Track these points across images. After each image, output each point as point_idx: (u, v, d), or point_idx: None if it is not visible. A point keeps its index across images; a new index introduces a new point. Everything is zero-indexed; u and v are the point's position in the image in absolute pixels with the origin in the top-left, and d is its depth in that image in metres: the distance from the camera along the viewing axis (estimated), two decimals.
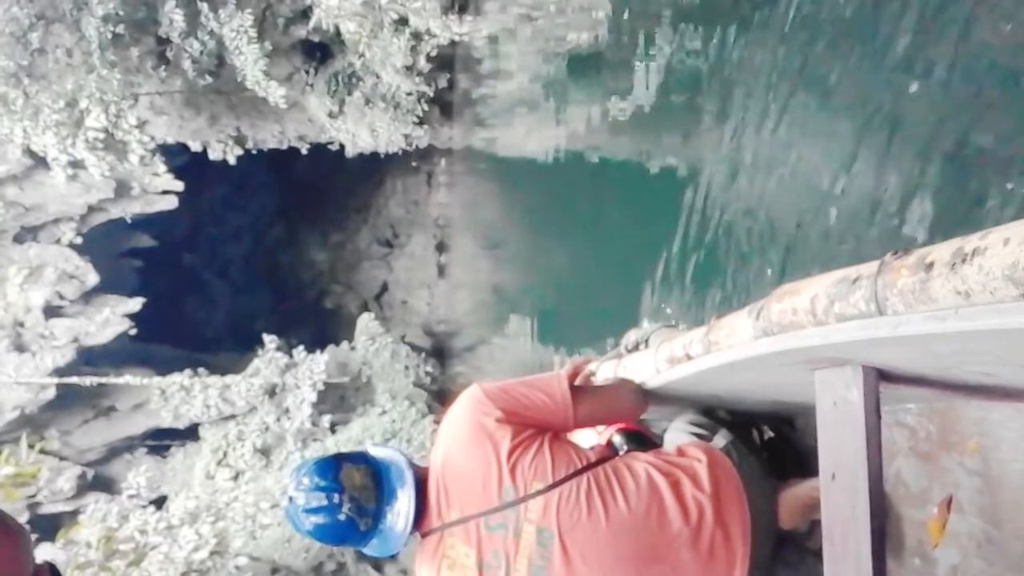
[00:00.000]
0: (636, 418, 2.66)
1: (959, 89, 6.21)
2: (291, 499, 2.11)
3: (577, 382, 2.48)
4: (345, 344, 22.28)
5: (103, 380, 17.96)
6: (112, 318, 19.49)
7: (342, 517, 2.08)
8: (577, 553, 2.07)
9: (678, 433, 2.55)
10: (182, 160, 21.18)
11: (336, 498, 2.07)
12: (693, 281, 10.42)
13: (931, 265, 1.14)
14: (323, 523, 2.09)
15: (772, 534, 2.26)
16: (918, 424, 1.98)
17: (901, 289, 1.20)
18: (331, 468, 2.11)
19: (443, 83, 19.58)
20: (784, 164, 8.50)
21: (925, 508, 1.95)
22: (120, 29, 15.38)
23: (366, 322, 22.43)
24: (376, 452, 2.27)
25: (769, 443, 2.64)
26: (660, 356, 2.37)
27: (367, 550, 2.19)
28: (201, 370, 20.26)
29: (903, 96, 6.79)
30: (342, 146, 20.37)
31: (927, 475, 1.95)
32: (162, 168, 17.67)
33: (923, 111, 6.57)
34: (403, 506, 2.14)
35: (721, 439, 2.40)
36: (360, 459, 2.20)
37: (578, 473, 2.14)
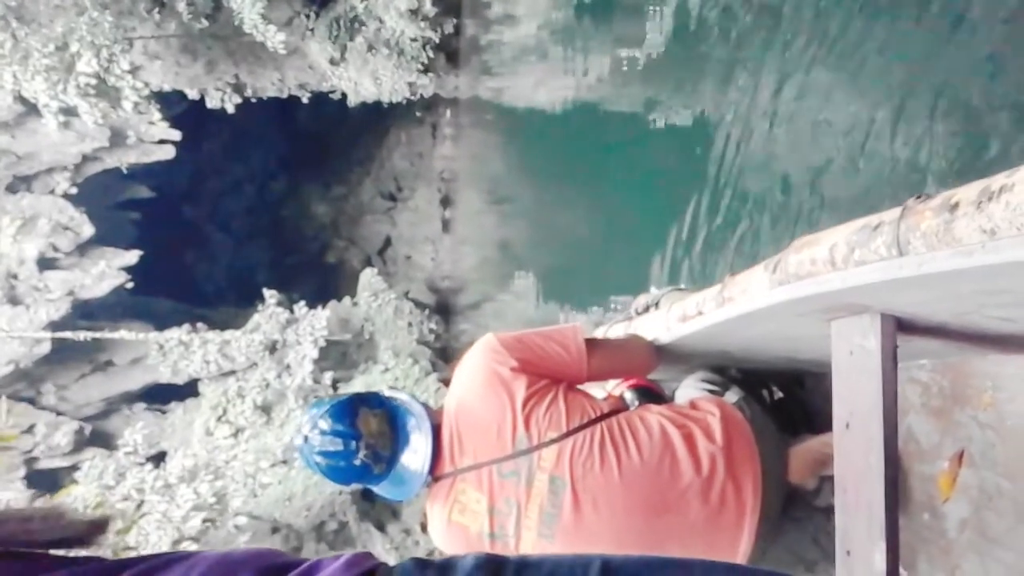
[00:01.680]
0: (648, 373, 2.66)
1: (981, 40, 6.09)
2: (306, 439, 2.10)
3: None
4: (347, 299, 21.96)
5: (98, 335, 17.57)
6: (108, 271, 19.09)
7: (357, 462, 2.09)
8: (588, 501, 2.09)
9: (690, 389, 2.59)
10: (180, 108, 20.71)
11: (353, 444, 2.08)
12: (705, 241, 10.29)
13: (956, 205, 1.13)
14: (337, 466, 2.10)
15: (782, 488, 2.28)
16: (931, 380, 1.98)
17: (924, 231, 1.19)
18: (348, 412, 2.11)
19: (449, 28, 19.02)
20: (802, 119, 8.36)
21: (935, 464, 1.95)
22: None
23: (369, 277, 22.05)
24: (392, 395, 2.27)
25: (779, 402, 2.65)
26: (672, 315, 2.36)
27: (378, 490, 2.20)
28: (200, 325, 20.01)
29: (925, 47, 6.67)
30: (344, 95, 19.90)
31: (939, 431, 1.96)
32: (157, 116, 17.05)
33: (944, 64, 6.46)
34: (419, 453, 2.15)
35: (733, 395, 2.43)
36: (376, 402, 2.20)
37: (592, 423, 2.16)
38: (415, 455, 2.16)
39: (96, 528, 1.03)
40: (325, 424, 2.09)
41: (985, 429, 1.81)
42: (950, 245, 1.16)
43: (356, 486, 2.23)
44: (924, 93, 6.59)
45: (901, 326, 1.62)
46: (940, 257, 1.18)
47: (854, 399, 1.68)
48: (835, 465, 1.76)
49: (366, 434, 2.10)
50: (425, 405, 2.25)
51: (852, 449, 1.69)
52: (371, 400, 2.21)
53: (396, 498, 2.21)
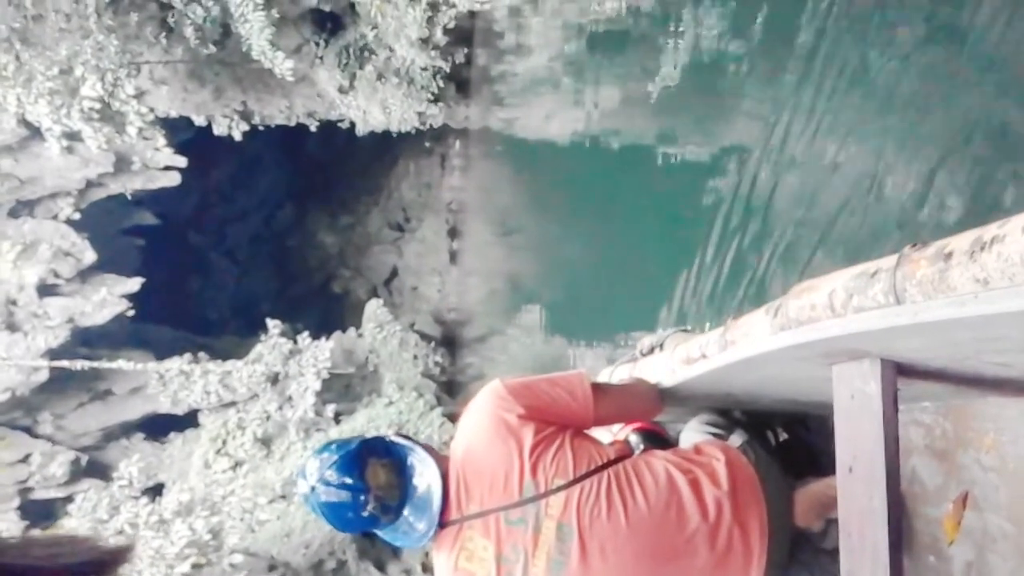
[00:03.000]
0: (653, 417, 2.70)
1: (999, 86, 6.24)
2: (313, 489, 2.10)
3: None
4: (352, 331, 21.73)
5: (95, 364, 17.18)
6: (109, 298, 18.77)
7: (365, 514, 2.10)
8: (596, 549, 2.09)
9: (694, 432, 2.63)
10: (187, 135, 20.53)
11: (361, 497, 2.08)
12: (712, 279, 10.30)
13: (950, 255, 1.16)
14: (345, 517, 2.11)
15: (789, 532, 2.28)
16: (934, 422, 2.01)
17: (920, 280, 1.23)
18: (356, 465, 2.11)
19: (460, 58, 18.81)
20: (814, 158, 8.36)
21: (940, 506, 1.96)
22: None
23: (374, 308, 21.80)
24: (399, 441, 2.26)
25: (783, 444, 2.69)
26: (676, 357, 2.39)
27: (385, 535, 2.20)
28: (202, 354, 19.71)
29: (940, 89, 6.77)
30: (352, 124, 19.67)
31: (943, 473, 1.97)
32: (162, 142, 16.78)
33: (959, 106, 6.55)
34: (428, 503, 2.15)
35: (737, 438, 2.45)
36: (384, 450, 2.19)
37: (599, 470, 2.17)
38: (424, 505, 2.16)
39: (120, 554, 1.02)
40: (332, 476, 2.09)
41: (988, 472, 1.83)
42: (945, 294, 1.18)
43: (364, 532, 2.24)
44: (937, 135, 6.66)
45: (901, 370, 1.64)
46: (935, 306, 1.21)
47: (856, 443, 1.71)
48: (839, 508, 1.79)
49: (374, 486, 2.11)
50: (430, 449, 2.26)
51: (855, 492, 1.72)
52: (379, 449, 2.20)
53: (404, 545, 2.22)
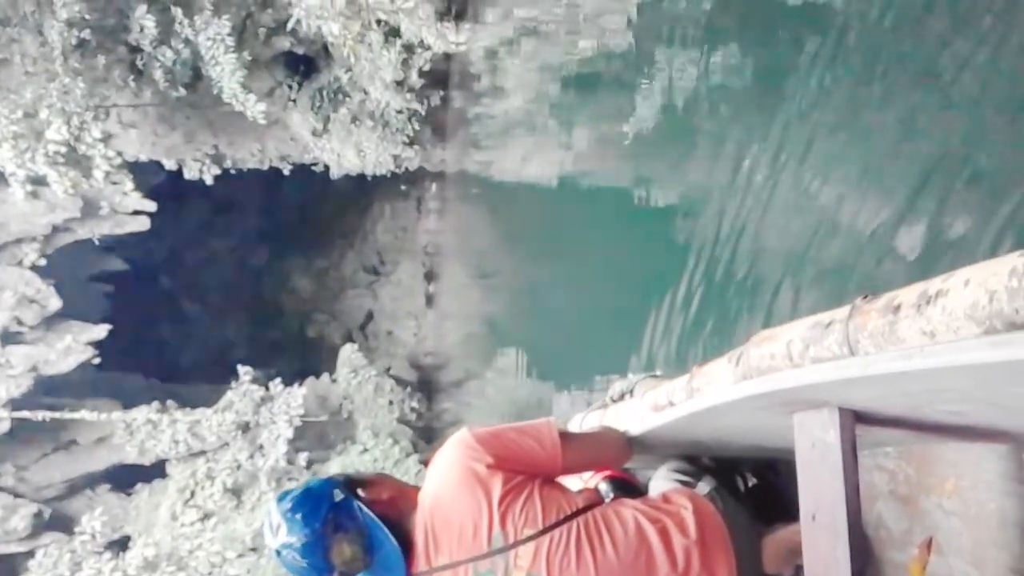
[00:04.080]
0: (622, 465, 2.72)
1: (975, 122, 6.34)
2: (278, 552, 2.12)
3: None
4: (326, 376, 21.39)
5: (57, 415, 16.65)
6: (74, 346, 18.33)
7: None
8: None
9: (663, 480, 2.62)
10: (157, 179, 20.29)
11: (324, 575, 2.09)
12: (685, 321, 10.37)
13: (898, 307, 1.20)
14: None
15: None
16: (897, 467, 2.04)
17: (871, 331, 1.26)
18: (320, 546, 2.09)
19: (436, 100, 18.72)
20: (785, 199, 8.49)
21: (906, 550, 1.98)
22: (86, 35, 14.30)
23: (349, 353, 21.46)
24: (364, 509, 2.20)
25: (753, 489, 2.70)
26: (644, 404, 2.42)
27: None
28: (170, 402, 19.24)
29: (910, 130, 6.87)
30: (327, 167, 19.47)
31: (907, 517, 2.00)
32: (130, 186, 16.44)
33: (925, 147, 6.69)
34: (393, 567, 2.16)
35: (705, 485, 2.46)
36: (350, 521, 2.15)
37: (568, 519, 2.16)
38: (388, 570, 2.16)
39: None
40: (297, 552, 2.08)
41: (950, 516, 1.86)
42: (895, 345, 1.21)
43: None
44: (904, 175, 6.76)
45: (860, 418, 1.66)
46: (883, 359, 1.24)
47: (818, 491, 1.72)
48: (804, 556, 1.78)
49: (339, 564, 2.09)
50: (400, 495, 2.26)
51: (819, 540, 1.72)
52: (345, 521, 2.14)
53: None
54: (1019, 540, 1.72)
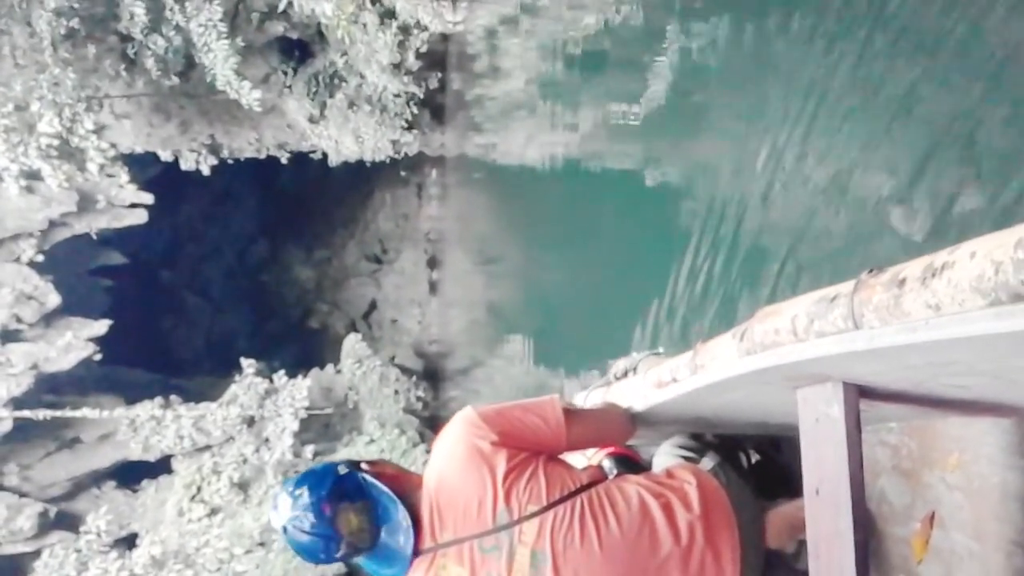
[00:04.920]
0: (625, 441, 2.71)
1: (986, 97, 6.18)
2: (285, 529, 2.13)
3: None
4: (330, 367, 21.17)
5: (58, 414, 16.42)
6: (75, 342, 18.10)
7: (338, 555, 2.14)
8: (570, 575, 2.09)
9: (666, 456, 2.63)
10: (154, 171, 20.02)
11: (333, 545, 2.10)
12: (692, 300, 10.29)
13: (903, 281, 1.20)
14: (317, 557, 2.15)
15: (761, 554, 2.29)
16: (900, 442, 2.04)
17: (876, 305, 1.26)
18: (327, 513, 2.10)
19: (434, 83, 18.43)
20: (796, 175, 8.37)
21: (909, 525, 1.99)
22: (75, 24, 13.96)
23: (353, 343, 21.23)
24: (371, 480, 2.22)
25: (756, 466, 2.71)
26: (648, 381, 2.42)
27: (363, 564, 2.21)
28: (174, 397, 19.04)
29: (917, 104, 6.78)
30: (325, 155, 19.19)
31: (910, 492, 2.00)
32: (125, 179, 16.13)
33: (941, 121, 6.55)
34: (400, 544, 2.16)
35: (709, 461, 2.47)
36: (355, 491, 2.17)
37: (572, 495, 2.18)
38: (396, 541, 2.16)
39: None
40: (305, 522, 2.09)
41: (953, 491, 1.86)
42: (900, 319, 1.21)
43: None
44: (911, 152, 6.68)
45: (864, 393, 1.66)
46: (888, 332, 1.23)
47: (822, 465, 1.73)
48: (807, 530, 1.80)
49: (346, 534, 2.11)
50: (403, 476, 2.27)
51: (822, 515, 1.74)
52: (350, 490, 2.17)
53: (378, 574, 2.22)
54: (1021, 513, 1.73)
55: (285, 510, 2.12)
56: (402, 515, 2.16)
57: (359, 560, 2.21)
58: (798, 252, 8.06)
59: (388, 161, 19.58)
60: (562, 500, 2.16)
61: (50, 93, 13.95)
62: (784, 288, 7.97)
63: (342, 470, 2.22)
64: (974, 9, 6.30)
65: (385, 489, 2.21)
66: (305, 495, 2.12)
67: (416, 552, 2.18)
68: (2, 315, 17.54)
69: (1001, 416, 1.73)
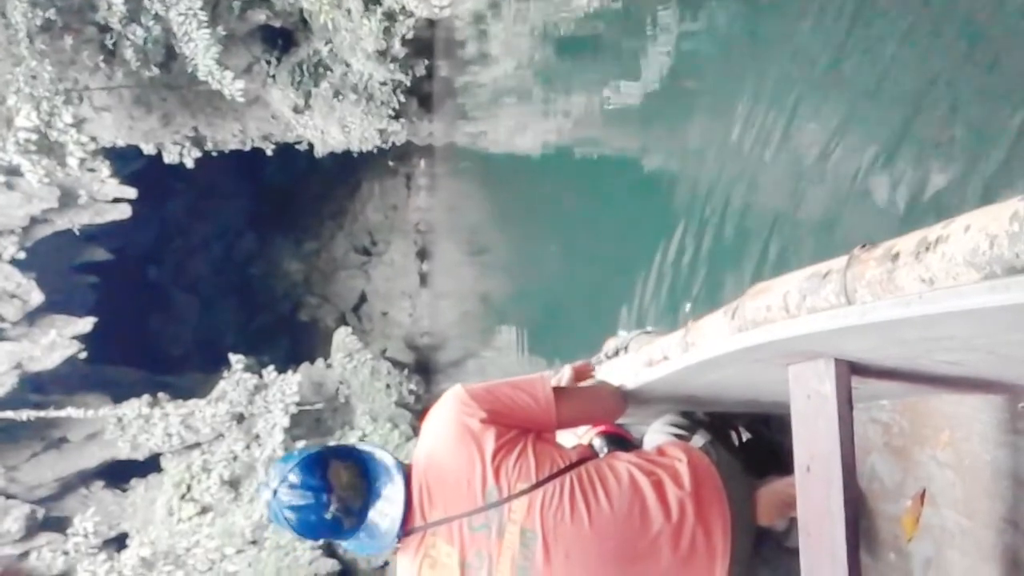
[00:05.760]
0: (616, 419, 2.72)
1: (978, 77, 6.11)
2: (275, 492, 2.09)
3: (564, 383, 2.65)
4: (320, 361, 20.91)
5: (42, 414, 16.11)
6: (59, 341, 17.74)
7: (328, 516, 2.08)
8: (560, 553, 2.10)
9: (658, 434, 2.66)
10: (137, 165, 19.68)
11: (323, 497, 2.07)
12: (680, 279, 10.25)
13: (897, 255, 1.20)
14: (307, 520, 2.09)
15: (752, 531, 2.31)
16: (891, 420, 2.05)
17: (869, 280, 1.26)
18: (318, 465, 2.11)
19: (421, 70, 18.09)
20: (781, 154, 8.29)
21: (899, 503, 1.99)
22: (52, 15, 13.60)
23: (343, 337, 20.98)
24: (363, 447, 2.27)
25: (746, 444, 2.73)
26: (639, 359, 2.41)
27: (349, 545, 2.19)
28: (162, 395, 18.73)
29: (905, 79, 6.72)
30: (311, 145, 18.89)
31: (901, 470, 2.01)
32: (107, 173, 15.77)
33: (921, 95, 6.51)
34: (391, 507, 2.15)
35: (700, 439, 2.49)
36: (347, 454, 2.21)
37: (561, 473, 2.18)
38: (387, 509, 2.16)
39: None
40: (295, 477, 2.08)
41: (944, 468, 1.87)
42: (893, 294, 1.21)
43: (327, 539, 2.19)
44: (901, 127, 6.61)
45: (855, 370, 1.66)
46: (881, 307, 1.24)
47: (813, 443, 1.73)
48: (798, 508, 1.81)
49: (337, 487, 2.10)
50: (397, 459, 2.23)
51: (813, 492, 1.75)
52: (342, 452, 2.19)
53: (367, 552, 2.21)
54: (1012, 491, 1.72)
55: (275, 474, 2.11)
56: (394, 474, 2.17)
57: (346, 538, 2.17)
58: (784, 229, 8.05)
59: (375, 151, 19.27)
60: (551, 478, 2.15)
61: (27, 86, 13.60)
62: (771, 264, 7.99)
63: (332, 443, 2.32)
64: None
65: (380, 451, 2.25)
66: (295, 456, 2.14)
67: (406, 531, 2.18)
68: None
69: (993, 393, 1.74)
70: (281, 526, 2.12)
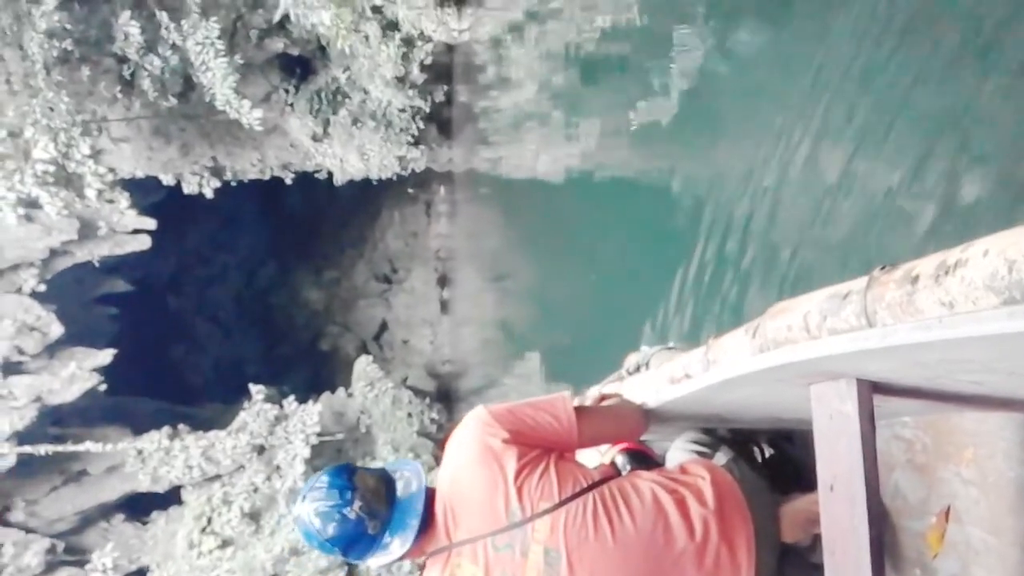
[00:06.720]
0: (638, 437, 2.72)
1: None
2: (303, 497, 2.15)
3: (588, 403, 2.62)
4: (341, 391, 20.75)
5: (60, 448, 15.97)
6: (79, 373, 17.70)
7: (352, 515, 2.12)
8: (584, 572, 2.10)
9: (680, 452, 2.65)
10: (156, 196, 19.66)
11: (348, 495, 2.13)
12: (701, 297, 10.15)
13: (916, 278, 1.20)
14: (333, 522, 2.12)
15: (775, 549, 2.29)
16: (914, 437, 2.04)
17: (889, 302, 1.26)
18: (345, 470, 2.20)
19: (440, 96, 18.01)
20: (808, 185, 8.18)
21: (924, 519, 1.98)
22: (68, 46, 13.57)
23: (364, 365, 20.85)
24: (392, 465, 2.34)
25: (769, 460, 2.69)
26: (660, 377, 2.43)
27: (372, 561, 2.21)
28: (182, 426, 18.63)
29: (929, 98, 6.60)
30: (330, 174, 18.80)
31: (925, 486, 2.00)
32: (125, 204, 15.70)
33: (945, 113, 6.42)
34: (411, 514, 2.19)
35: (723, 456, 2.48)
36: (374, 469, 2.27)
37: (584, 492, 2.18)
38: (408, 517, 2.18)
39: None
40: (323, 480, 2.15)
41: (968, 485, 1.84)
42: (913, 316, 1.21)
43: (354, 556, 2.20)
44: (926, 146, 6.48)
45: (877, 388, 1.66)
46: (902, 330, 1.24)
47: (836, 462, 1.73)
48: (822, 526, 1.80)
49: (362, 488, 2.14)
50: (422, 477, 2.25)
51: (837, 510, 1.74)
52: (370, 469, 2.25)
53: (388, 560, 2.22)
54: None
55: (305, 488, 2.17)
56: (418, 483, 2.21)
57: (369, 549, 2.16)
58: (806, 247, 7.98)
59: (395, 178, 19.20)
60: (574, 497, 2.15)
61: (44, 118, 13.55)
62: (792, 281, 7.92)
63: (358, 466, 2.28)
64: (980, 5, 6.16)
65: (404, 463, 2.31)
66: (324, 470, 2.21)
67: (431, 552, 2.21)
68: (4, 347, 17.14)
69: (1016, 411, 1.72)
70: (309, 538, 2.14)
